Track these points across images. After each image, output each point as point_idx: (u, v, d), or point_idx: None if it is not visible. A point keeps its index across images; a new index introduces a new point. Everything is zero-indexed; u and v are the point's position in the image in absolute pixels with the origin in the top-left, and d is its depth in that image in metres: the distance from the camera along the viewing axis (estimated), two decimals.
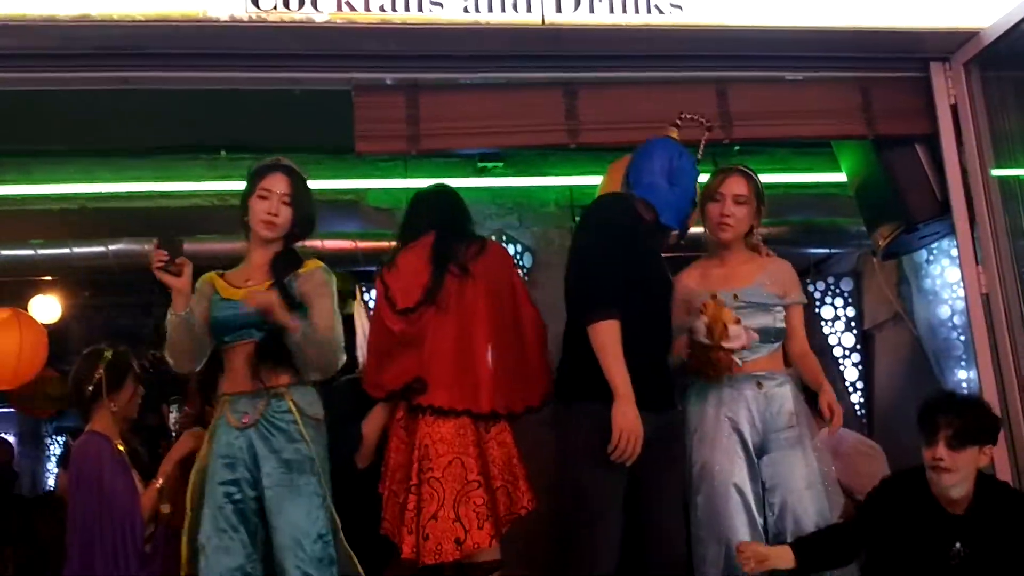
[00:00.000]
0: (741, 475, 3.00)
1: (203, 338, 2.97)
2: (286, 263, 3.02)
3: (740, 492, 2.98)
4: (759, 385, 3.08)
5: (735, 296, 3.10)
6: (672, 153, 3.09)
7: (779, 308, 3.16)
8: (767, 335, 3.12)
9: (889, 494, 3.09)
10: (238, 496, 2.86)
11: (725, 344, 2.95)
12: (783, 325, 3.17)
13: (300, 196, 3.06)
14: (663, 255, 3.20)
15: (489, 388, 3.17)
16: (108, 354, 3.49)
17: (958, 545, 2.88)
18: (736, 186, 3.18)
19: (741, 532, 2.95)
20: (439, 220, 3.42)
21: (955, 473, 2.89)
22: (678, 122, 3.20)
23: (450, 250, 3.29)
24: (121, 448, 3.42)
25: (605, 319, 2.79)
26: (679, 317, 3.13)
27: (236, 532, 2.84)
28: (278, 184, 3.03)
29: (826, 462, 3.15)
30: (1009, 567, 2.87)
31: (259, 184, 3.05)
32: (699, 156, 3.20)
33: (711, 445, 3.04)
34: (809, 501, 2.99)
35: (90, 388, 3.43)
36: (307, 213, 3.09)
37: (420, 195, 3.62)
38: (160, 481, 3.36)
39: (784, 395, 3.10)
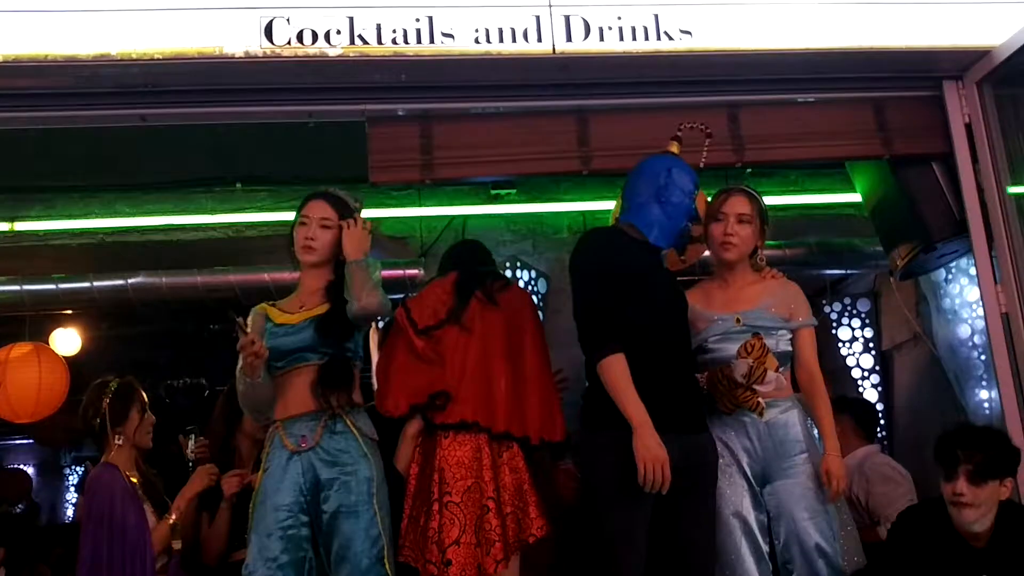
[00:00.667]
0: (742, 503, 2.96)
1: (269, 385, 2.98)
2: (341, 290, 3.00)
3: (741, 520, 2.94)
4: (760, 414, 3.00)
5: (737, 320, 3.07)
6: (661, 170, 3.05)
7: (784, 331, 3.10)
8: (780, 358, 3.05)
9: (909, 529, 3.03)
10: (290, 522, 2.83)
11: (758, 387, 2.91)
12: (788, 348, 3.11)
13: (342, 221, 3.06)
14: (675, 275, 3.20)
15: (505, 409, 3.19)
16: (112, 385, 3.50)
17: None
18: (738, 205, 3.14)
19: (747, 561, 2.91)
20: (465, 261, 3.52)
21: (977, 508, 2.83)
22: (679, 134, 3.18)
23: (475, 281, 3.36)
24: (134, 480, 3.43)
25: (608, 355, 2.79)
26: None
27: (284, 565, 2.80)
28: (316, 210, 3.06)
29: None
30: None
31: (301, 212, 3.10)
32: (701, 164, 3.18)
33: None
34: (814, 529, 2.92)
35: (97, 420, 3.45)
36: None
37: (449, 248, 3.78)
38: (173, 517, 3.36)
39: (788, 422, 3.02)
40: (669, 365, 2.93)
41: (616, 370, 2.78)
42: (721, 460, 2.99)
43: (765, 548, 2.96)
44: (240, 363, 2.94)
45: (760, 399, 2.92)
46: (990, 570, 2.84)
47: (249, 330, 2.92)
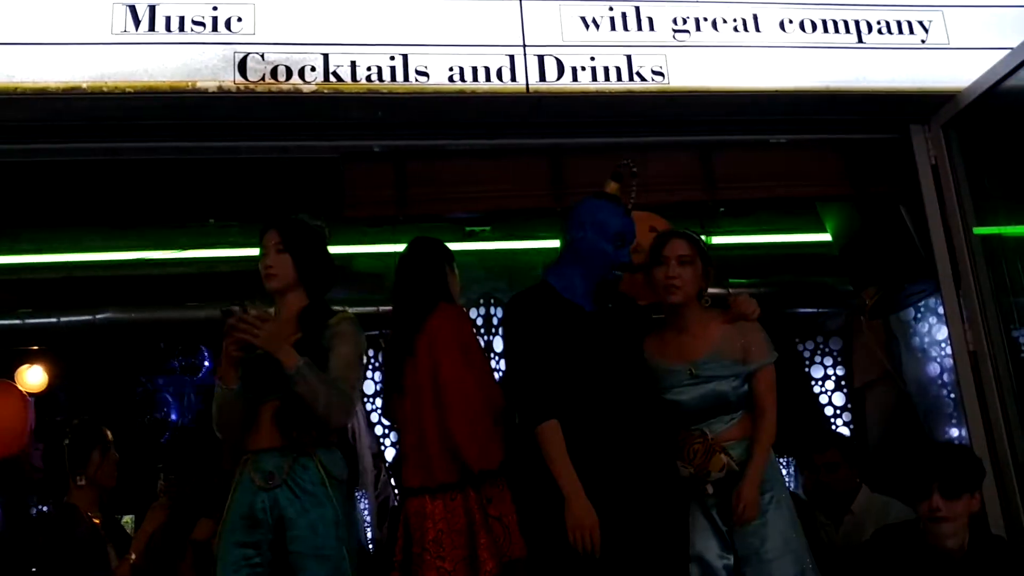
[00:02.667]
0: (707, 546, 2.93)
1: (241, 404, 2.93)
2: (314, 314, 2.98)
3: (702, 562, 2.92)
4: (728, 457, 2.95)
5: (690, 372, 3.02)
6: (576, 220, 3.03)
7: (737, 376, 3.03)
8: (725, 406, 3.02)
9: (883, 549, 3.08)
10: (256, 560, 2.79)
11: (707, 479, 2.93)
12: (744, 390, 3.04)
13: (296, 242, 3.03)
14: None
15: (439, 460, 3.06)
16: (69, 429, 3.46)
17: None
18: (678, 248, 3.08)
19: None
20: (396, 305, 3.34)
21: (952, 522, 2.92)
22: (619, 170, 3.14)
23: (398, 333, 3.24)
24: (96, 520, 3.37)
25: (540, 423, 2.81)
26: None
27: None
28: (270, 238, 3.04)
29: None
30: None
31: (260, 244, 3.08)
32: (629, 205, 3.11)
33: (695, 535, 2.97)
34: (777, 570, 2.89)
35: (56, 461, 3.40)
36: (311, 257, 3.05)
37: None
38: (133, 556, 3.31)
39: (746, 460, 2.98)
40: (614, 422, 2.89)
41: (549, 438, 2.81)
42: (695, 511, 2.96)
43: None
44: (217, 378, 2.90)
45: (708, 486, 2.92)
46: None
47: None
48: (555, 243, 5.18)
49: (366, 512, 6.30)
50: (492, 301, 5.03)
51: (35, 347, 5.50)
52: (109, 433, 3.57)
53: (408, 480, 3.10)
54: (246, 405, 2.91)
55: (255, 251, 3.14)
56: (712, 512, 2.97)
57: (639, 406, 2.95)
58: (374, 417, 5.16)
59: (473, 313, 5.04)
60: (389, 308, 3.37)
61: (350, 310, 4.73)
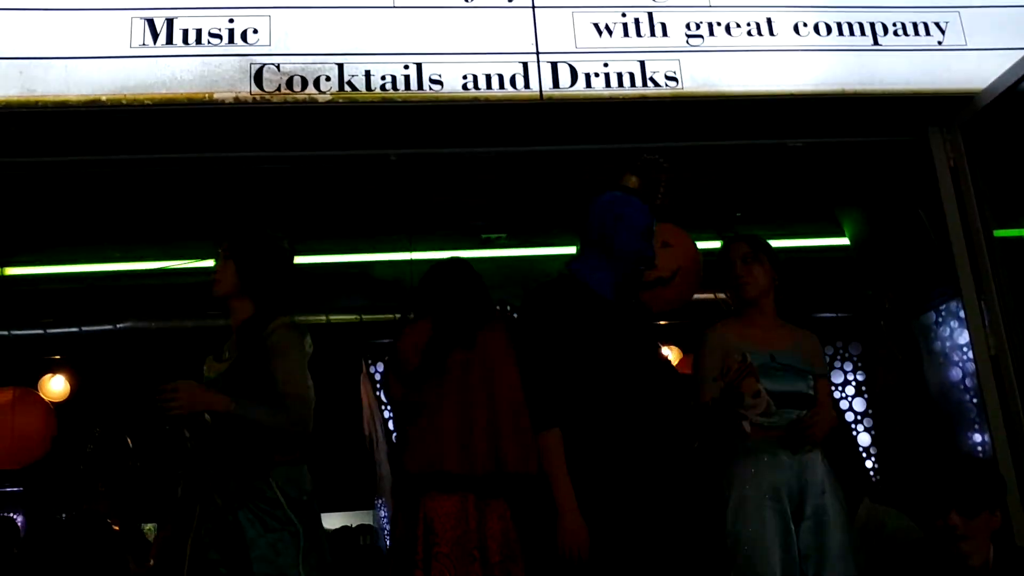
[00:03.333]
0: (778, 547, 2.93)
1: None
2: (252, 326, 2.92)
3: (781, 564, 2.92)
4: (794, 451, 3.03)
5: (772, 357, 3.09)
6: (607, 211, 3.01)
7: (810, 375, 3.15)
8: (801, 400, 3.09)
9: (911, 564, 3.05)
10: None
11: (746, 411, 2.90)
12: (814, 393, 3.14)
13: (241, 250, 3.00)
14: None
15: (483, 450, 3.07)
16: (98, 433, 3.48)
17: None
18: (739, 248, 3.26)
19: None
20: (443, 300, 3.34)
21: (972, 540, 2.84)
22: (638, 164, 3.12)
23: (452, 326, 3.23)
24: (116, 527, 3.40)
25: (544, 429, 2.80)
26: (715, 369, 3.03)
27: None
28: (222, 244, 3.03)
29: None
30: None
31: None
32: (659, 200, 3.10)
33: (747, 516, 2.97)
34: (842, 570, 2.94)
35: (80, 467, 3.43)
36: (256, 265, 3.00)
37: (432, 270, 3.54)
38: (151, 562, 3.34)
39: (816, 460, 3.06)
40: (636, 411, 2.87)
41: (550, 447, 2.79)
42: (760, 504, 2.96)
43: None
44: None
45: (745, 423, 2.91)
46: None
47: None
48: (571, 249, 5.17)
49: (384, 519, 6.32)
50: (508, 308, 5.03)
51: (57, 356, 5.54)
52: (131, 441, 3.60)
53: (447, 464, 3.04)
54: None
55: None
56: (786, 510, 2.96)
57: (661, 402, 2.95)
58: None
59: None
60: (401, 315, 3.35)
61: (367, 317, 4.79)
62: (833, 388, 5.67)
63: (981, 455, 4.55)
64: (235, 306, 3.00)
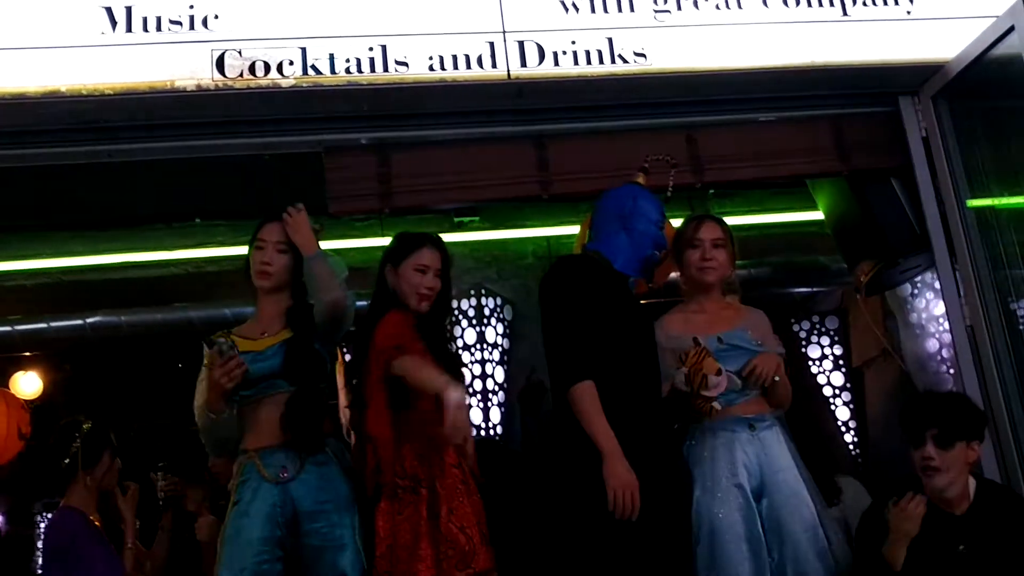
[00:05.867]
0: (744, 524, 2.94)
1: (234, 418, 2.90)
2: (302, 314, 2.95)
3: (745, 541, 2.92)
4: (751, 427, 3.05)
5: (719, 339, 3.09)
6: (627, 198, 3.07)
7: (757, 354, 3.11)
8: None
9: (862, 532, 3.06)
10: (265, 557, 2.73)
11: (704, 393, 2.92)
12: None
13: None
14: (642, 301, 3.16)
15: None
16: (85, 427, 3.43)
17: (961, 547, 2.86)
18: (712, 231, 3.22)
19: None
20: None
21: (946, 473, 2.88)
22: (646, 165, 3.18)
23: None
24: (97, 522, 3.35)
25: (578, 383, 2.78)
26: (666, 362, 3.09)
27: None
28: (273, 233, 3.00)
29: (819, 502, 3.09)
30: (1012, 567, 2.82)
31: (257, 236, 3.04)
32: (668, 196, 3.19)
33: (711, 495, 2.98)
34: (808, 545, 2.94)
35: (65, 461, 3.37)
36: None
37: None
38: (129, 543, 3.35)
39: (775, 437, 3.08)
40: (638, 391, 2.91)
41: (587, 398, 2.76)
42: (722, 482, 2.97)
43: (769, 563, 2.93)
44: (199, 399, 2.87)
45: (713, 403, 2.94)
46: (967, 540, 2.86)
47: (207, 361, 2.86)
48: (544, 231, 5.15)
49: None
50: (483, 291, 5.00)
51: (27, 353, 5.46)
52: (114, 436, 3.56)
53: None
54: (238, 411, 2.88)
55: (242, 250, 3.11)
56: (746, 487, 2.97)
57: (657, 379, 3.00)
58: None
59: (464, 304, 5.01)
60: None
61: None
62: (811, 362, 5.67)
63: None
64: (277, 297, 3.01)
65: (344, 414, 4.09)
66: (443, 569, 2.68)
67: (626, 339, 2.95)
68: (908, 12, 3.80)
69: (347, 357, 5.08)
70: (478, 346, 4.95)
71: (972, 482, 2.98)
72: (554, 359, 2.90)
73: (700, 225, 3.24)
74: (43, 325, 4.90)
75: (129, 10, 3.44)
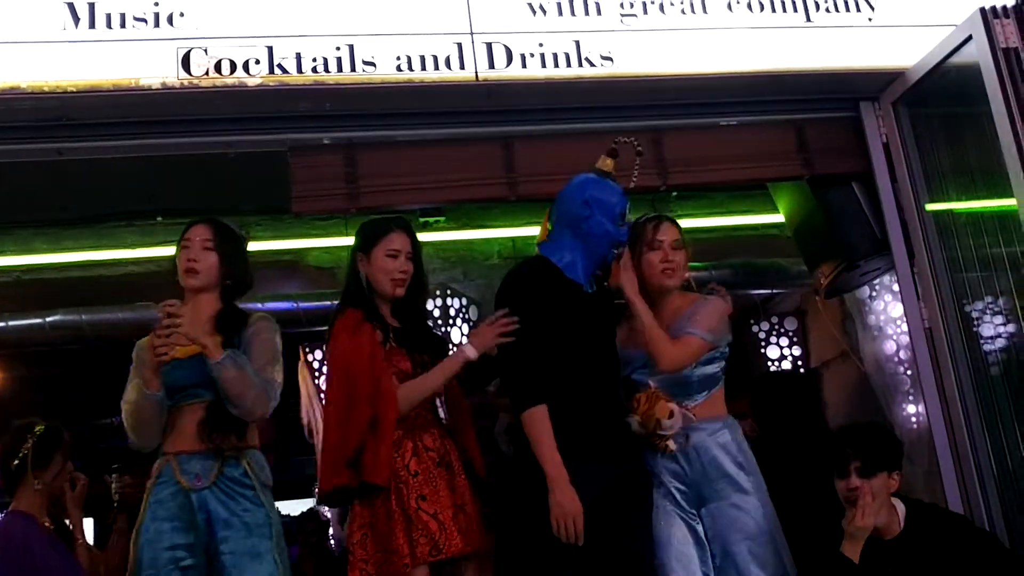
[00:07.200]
0: (681, 535, 2.94)
1: (164, 410, 2.88)
2: (231, 319, 2.95)
3: (684, 555, 2.92)
4: (686, 439, 2.96)
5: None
6: (580, 199, 2.98)
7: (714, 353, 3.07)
8: (685, 386, 3.03)
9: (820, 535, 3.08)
10: (188, 562, 2.76)
11: (660, 432, 2.89)
12: (715, 371, 3.09)
13: (225, 244, 3.01)
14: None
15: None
16: (38, 429, 3.37)
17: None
18: (672, 233, 3.15)
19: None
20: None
21: (871, 504, 2.92)
22: (614, 147, 3.09)
23: None
24: (48, 525, 3.30)
25: (529, 407, 2.76)
26: None
27: None
28: (198, 232, 3.00)
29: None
30: None
31: (183, 237, 3.03)
32: (632, 183, 3.11)
33: (656, 516, 2.97)
34: (748, 554, 2.91)
35: (15, 463, 3.30)
36: (236, 262, 3.04)
37: None
38: (80, 540, 3.38)
39: (718, 444, 3.00)
40: (605, 397, 2.92)
41: (536, 424, 2.75)
42: (656, 494, 2.97)
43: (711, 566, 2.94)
44: (133, 378, 2.86)
45: (668, 442, 2.91)
46: (897, 564, 2.92)
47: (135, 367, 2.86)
48: (510, 231, 5.16)
49: (327, 511, 6.27)
50: (448, 291, 5.00)
51: None
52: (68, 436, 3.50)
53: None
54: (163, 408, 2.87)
55: None
56: (676, 496, 2.97)
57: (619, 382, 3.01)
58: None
59: (430, 304, 4.99)
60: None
61: (302, 305, 4.72)
62: (769, 363, 5.74)
63: (915, 426, 4.65)
64: (204, 299, 2.99)
65: (306, 413, 4.07)
66: (416, 556, 2.69)
67: (582, 346, 2.92)
68: (870, 19, 3.87)
69: (309, 358, 5.09)
70: None
71: (901, 506, 3.03)
72: (508, 380, 2.90)
73: (659, 227, 3.15)
74: (1, 324, 4.81)
75: (92, 6, 3.39)
